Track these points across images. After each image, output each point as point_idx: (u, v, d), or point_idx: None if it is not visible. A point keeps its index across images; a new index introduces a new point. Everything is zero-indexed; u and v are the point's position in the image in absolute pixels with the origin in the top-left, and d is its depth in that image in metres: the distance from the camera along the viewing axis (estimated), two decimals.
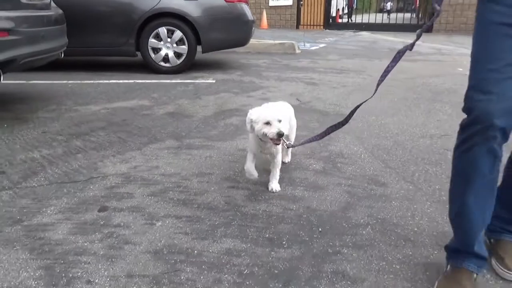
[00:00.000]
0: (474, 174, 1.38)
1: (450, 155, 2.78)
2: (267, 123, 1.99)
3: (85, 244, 1.77)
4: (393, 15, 19.74)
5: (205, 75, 5.84)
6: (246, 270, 1.63)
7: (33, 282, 1.53)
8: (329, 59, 7.89)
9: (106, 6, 5.56)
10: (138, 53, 5.81)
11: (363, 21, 17.89)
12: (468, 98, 1.38)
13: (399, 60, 1.68)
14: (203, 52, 5.98)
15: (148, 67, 5.83)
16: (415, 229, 1.95)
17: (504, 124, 1.30)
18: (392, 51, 9.29)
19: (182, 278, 1.57)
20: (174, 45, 5.76)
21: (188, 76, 5.67)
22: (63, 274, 1.57)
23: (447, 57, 8.36)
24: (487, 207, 1.44)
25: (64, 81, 5.13)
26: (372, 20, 17.50)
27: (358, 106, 1.88)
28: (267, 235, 1.87)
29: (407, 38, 12.82)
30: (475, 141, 1.34)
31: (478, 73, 1.36)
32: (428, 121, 3.70)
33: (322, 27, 17.57)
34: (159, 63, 5.83)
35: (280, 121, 2.00)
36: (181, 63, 5.85)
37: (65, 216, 1.99)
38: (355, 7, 28.34)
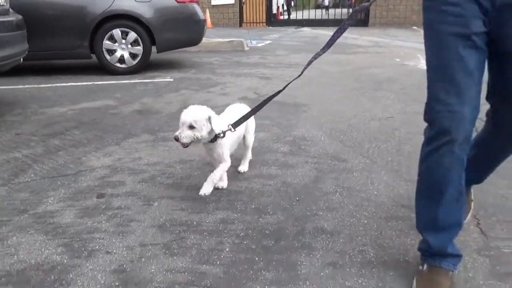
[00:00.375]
0: (446, 185, 1.40)
1: (397, 133, 3.24)
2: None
3: (94, 224, 1.98)
4: (331, 11, 20.65)
5: (161, 74, 6.01)
6: (242, 233, 1.91)
7: (57, 257, 1.72)
8: (277, 55, 8.28)
9: (59, 9, 5.58)
10: (93, 55, 5.86)
11: (303, 17, 18.52)
12: (429, 109, 1.39)
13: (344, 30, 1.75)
14: (158, 52, 6.15)
15: (104, 69, 5.91)
16: (375, 192, 2.31)
17: (466, 132, 1.34)
18: (333, 46, 9.84)
19: (188, 243, 1.83)
20: (129, 46, 5.89)
21: (145, 76, 5.82)
22: (83, 248, 1.78)
23: (385, 49, 9.01)
24: (459, 213, 1.48)
25: (22, 86, 5.13)
26: (312, 16, 18.20)
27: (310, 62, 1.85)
28: (253, 206, 2.16)
29: (346, 33, 13.52)
30: (443, 152, 1.36)
31: (436, 83, 1.37)
32: (375, 106, 4.14)
33: (264, 24, 18.03)
34: (114, 64, 5.93)
35: (189, 126, 2.03)
36: (137, 63, 5.99)
37: (67, 204, 2.17)
38: (293, 4, 29.18)
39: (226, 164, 2.27)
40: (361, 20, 17.01)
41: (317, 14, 17.96)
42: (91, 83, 5.38)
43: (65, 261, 1.69)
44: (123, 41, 5.85)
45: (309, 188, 2.37)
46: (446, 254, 1.49)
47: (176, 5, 6.03)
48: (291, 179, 2.49)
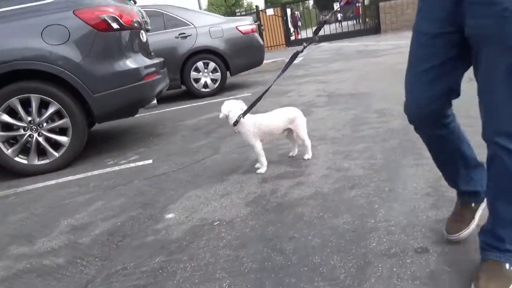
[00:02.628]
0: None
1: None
2: None
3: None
4: (343, 24, 22.24)
5: (238, 92, 7.51)
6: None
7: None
8: (317, 67, 9.75)
9: (164, 53, 7.14)
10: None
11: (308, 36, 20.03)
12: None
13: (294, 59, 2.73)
14: (231, 75, 7.69)
15: (192, 94, 7.45)
16: None
17: (421, 117, 1.63)
18: (359, 53, 11.33)
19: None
20: (210, 73, 7.44)
21: (226, 95, 7.32)
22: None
23: (406, 49, 10.38)
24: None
25: (147, 113, 6.64)
26: (325, 32, 19.76)
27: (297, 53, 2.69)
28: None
29: (360, 41, 15.02)
30: (418, 133, 1.73)
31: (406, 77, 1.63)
32: None
33: (284, 45, 19.67)
34: (200, 90, 7.47)
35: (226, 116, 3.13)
36: (217, 87, 7.54)
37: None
38: (300, 24, 30.99)
39: (255, 149, 3.10)
40: (373, 28, 18.54)
41: (327, 29, 19.57)
42: (189, 105, 6.88)
43: None
44: (205, 70, 7.40)
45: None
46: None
47: (242, 36, 7.59)
48: (392, 126, 3.86)
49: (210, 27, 7.42)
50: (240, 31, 7.54)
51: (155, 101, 4.67)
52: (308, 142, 3.27)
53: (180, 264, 2.02)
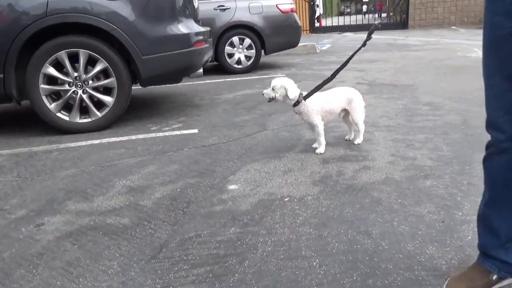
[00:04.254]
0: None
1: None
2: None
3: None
4: (366, 16, 21.82)
5: (271, 72, 7.34)
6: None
7: None
8: (348, 54, 9.51)
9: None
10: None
11: (333, 24, 19.65)
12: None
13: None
14: (265, 54, 7.51)
15: (225, 70, 7.28)
16: None
17: None
18: (389, 45, 11.10)
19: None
20: (245, 50, 7.26)
21: (259, 74, 7.16)
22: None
23: (440, 46, 10.18)
24: None
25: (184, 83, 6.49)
26: (341, 22, 19.38)
27: (351, 56, 2.82)
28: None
29: (387, 35, 14.74)
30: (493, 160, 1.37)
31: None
32: (467, 83, 5.34)
33: (308, 32, 19.35)
34: (233, 65, 7.30)
35: (272, 88, 2.85)
36: (250, 64, 7.36)
37: None
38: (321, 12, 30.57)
39: (317, 128, 2.93)
40: (400, 23, 18.19)
41: (347, 20, 19.27)
42: (222, 80, 6.73)
43: None
44: (240, 46, 7.23)
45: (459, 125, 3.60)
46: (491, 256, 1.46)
47: (281, 14, 7.38)
48: (449, 120, 3.72)
49: (250, 2, 7.22)
50: (279, 9, 7.34)
51: (201, 70, 4.53)
52: (362, 127, 3.13)
53: (259, 238, 1.92)
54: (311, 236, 1.91)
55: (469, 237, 1.82)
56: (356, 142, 3.15)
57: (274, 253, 1.79)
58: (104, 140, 3.63)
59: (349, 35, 16.89)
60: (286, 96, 2.83)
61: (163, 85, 6.00)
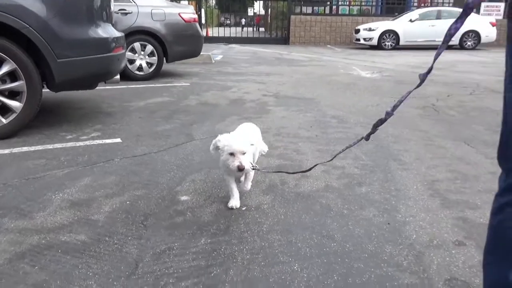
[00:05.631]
0: None
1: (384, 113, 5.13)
2: (232, 154, 2.10)
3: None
4: (248, 29, 22.77)
5: (173, 80, 7.30)
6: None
7: None
8: (245, 66, 9.90)
9: None
10: None
11: (219, 35, 20.04)
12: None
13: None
14: (167, 62, 7.44)
15: (125, 76, 7.04)
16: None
17: None
18: (278, 60, 11.79)
19: None
20: (147, 57, 7.12)
21: (162, 82, 7.07)
22: None
23: (323, 63, 11.10)
24: None
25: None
26: (221, 33, 19.91)
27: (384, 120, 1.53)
28: None
29: (271, 49, 15.62)
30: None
31: None
32: (360, 98, 5.99)
33: None
34: (134, 72, 7.10)
35: (244, 153, 2.09)
36: (152, 71, 7.23)
37: None
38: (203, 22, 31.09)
39: (251, 172, 2.37)
40: (281, 39, 19.36)
41: (232, 32, 20.00)
42: (125, 87, 6.50)
43: None
44: (142, 52, 7.06)
45: None
46: None
47: (184, 23, 7.40)
48: (357, 132, 4.15)
49: (152, 9, 7.10)
50: (182, 18, 7.35)
51: (118, 76, 4.35)
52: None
53: (233, 247, 1.97)
54: (282, 242, 2.02)
55: (414, 236, 2.11)
56: (245, 187, 2.40)
57: (253, 260, 1.86)
58: (15, 150, 3.29)
59: (236, 46, 17.41)
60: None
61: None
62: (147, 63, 7.13)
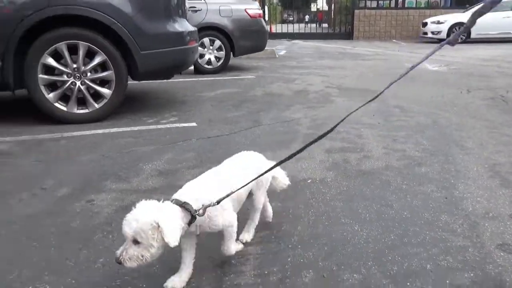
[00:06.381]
0: None
1: (461, 98, 5.04)
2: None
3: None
4: (312, 25, 22.80)
5: (240, 74, 7.66)
6: None
7: None
8: (307, 60, 10.08)
9: None
10: None
11: (282, 31, 20.26)
12: None
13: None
14: (234, 56, 7.82)
15: (195, 69, 7.50)
16: None
17: None
18: (342, 54, 11.82)
19: None
20: (215, 51, 7.54)
21: (229, 75, 7.45)
22: None
23: (387, 57, 11.01)
24: None
25: (158, 82, 6.62)
26: (284, 30, 20.06)
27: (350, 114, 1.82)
28: None
29: (334, 44, 15.59)
30: None
31: None
32: (430, 89, 5.99)
33: None
34: (204, 66, 7.55)
35: (135, 241, 1.35)
36: (220, 65, 7.65)
37: None
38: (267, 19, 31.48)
39: (233, 228, 1.65)
40: (345, 33, 19.25)
41: (300, 28, 20.10)
42: (195, 79, 6.95)
43: None
44: (211, 47, 7.50)
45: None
46: None
47: (250, 19, 7.74)
48: (419, 121, 4.24)
49: (220, 5, 7.50)
50: (248, 14, 7.69)
51: (192, 67, 4.75)
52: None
53: (300, 210, 2.23)
54: (344, 208, 2.25)
55: (470, 209, 2.25)
56: (226, 250, 1.69)
57: (318, 220, 2.11)
58: (107, 130, 3.76)
59: (299, 42, 17.59)
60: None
61: (142, 82, 6.10)
62: (216, 57, 7.56)
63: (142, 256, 1.35)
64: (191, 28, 4.63)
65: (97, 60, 3.98)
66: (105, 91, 4.07)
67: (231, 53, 7.73)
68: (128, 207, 2.23)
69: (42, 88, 3.88)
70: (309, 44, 16.10)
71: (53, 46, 3.84)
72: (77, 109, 4.03)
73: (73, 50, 3.92)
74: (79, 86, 3.98)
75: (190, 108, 4.71)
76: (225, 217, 1.60)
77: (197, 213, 1.47)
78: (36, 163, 2.91)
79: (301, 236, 1.96)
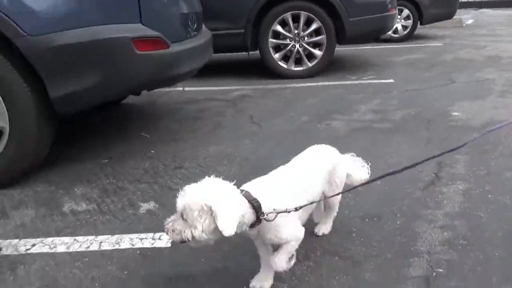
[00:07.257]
0: None
1: None
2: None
3: None
4: None
5: (426, 42, 7.87)
6: None
7: None
8: (499, 29, 9.59)
9: None
10: None
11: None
12: None
13: None
14: (422, 24, 8.06)
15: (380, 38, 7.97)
16: None
17: None
18: None
19: None
20: (403, 20, 7.90)
21: (415, 42, 7.73)
22: None
23: None
24: None
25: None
26: None
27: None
28: None
29: None
30: None
31: None
32: None
33: None
34: (391, 34, 7.98)
35: (182, 216, 1.25)
36: (406, 33, 8.00)
37: None
38: None
39: (297, 243, 1.45)
40: None
41: None
42: (382, 47, 7.44)
43: None
44: (399, 16, 7.87)
45: None
46: None
47: None
48: None
49: None
50: None
51: (390, 32, 5.33)
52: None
53: None
54: None
55: None
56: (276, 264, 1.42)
57: None
58: (320, 83, 4.65)
59: (488, 11, 16.29)
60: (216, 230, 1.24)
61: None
62: (403, 26, 7.93)
63: (185, 232, 1.24)
64: None
65: (313, 26, 4.86)
66: (317, 52, 4.95)
67: (419, 22, 7.97)
68: (358, 130, 3.05)
69: (271, 50, 4.95)
70: (500, 13, 14.85)
71: (281, 16, 4.85)
72: (294, 67, 5.01)
73: (294, 19, 4.87)
74: (297, 48, 4.93)
75: (384, 69, 5.34)
76: (293, 229, 1.41)
77: (265, 216, 1.30)
78: (276, 102, 3.94)
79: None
